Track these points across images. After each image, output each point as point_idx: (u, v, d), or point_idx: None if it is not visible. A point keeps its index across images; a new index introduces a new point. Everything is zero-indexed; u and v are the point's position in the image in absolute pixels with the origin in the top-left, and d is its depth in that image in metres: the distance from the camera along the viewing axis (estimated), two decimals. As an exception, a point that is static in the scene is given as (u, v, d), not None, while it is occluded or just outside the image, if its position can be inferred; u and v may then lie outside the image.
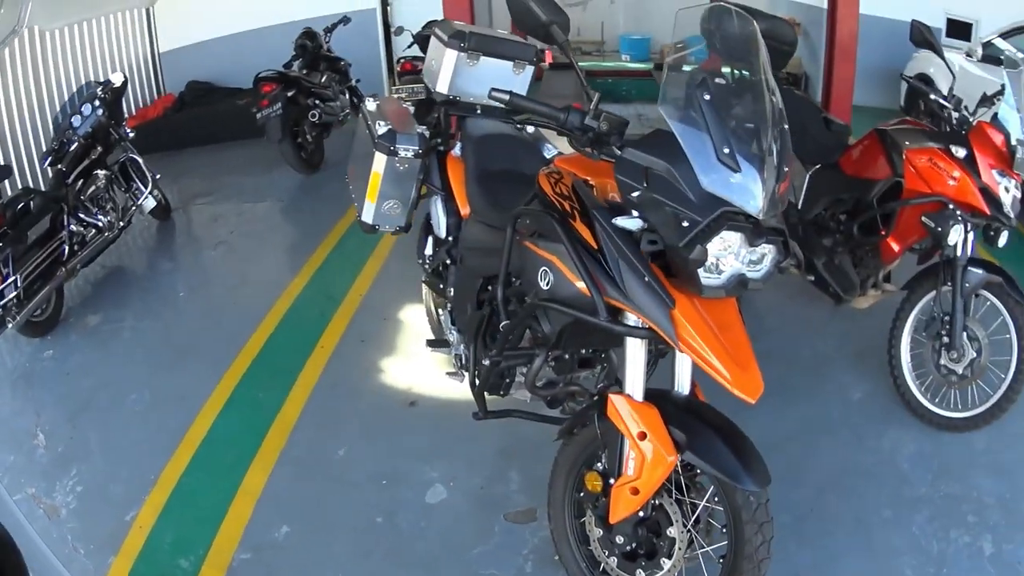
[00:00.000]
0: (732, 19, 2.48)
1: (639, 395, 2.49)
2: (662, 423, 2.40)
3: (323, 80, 8.12)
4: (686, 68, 2.45)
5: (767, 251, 2.29)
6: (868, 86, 10.22)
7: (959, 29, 11.57)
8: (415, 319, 4.84)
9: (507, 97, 2.53)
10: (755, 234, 2.22)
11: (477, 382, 3.30)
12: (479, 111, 3.86)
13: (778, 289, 5.18)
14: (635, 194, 2.32)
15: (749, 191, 2.18)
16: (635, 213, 2.33)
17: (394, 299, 5.18)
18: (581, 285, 2.39)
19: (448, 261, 3.82)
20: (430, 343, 4.19)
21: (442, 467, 3.75)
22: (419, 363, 4.54)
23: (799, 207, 4.88)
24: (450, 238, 3.79)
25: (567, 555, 3.02)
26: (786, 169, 2.31)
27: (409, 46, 8.72)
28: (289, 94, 7.50)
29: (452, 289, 3.74)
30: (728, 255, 2.24)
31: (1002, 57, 4.55)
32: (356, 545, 3.32)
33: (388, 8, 10.82)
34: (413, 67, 8.35)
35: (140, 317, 5.28)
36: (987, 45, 8.07)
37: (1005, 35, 8.13)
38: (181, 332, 5.10)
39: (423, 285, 4.41)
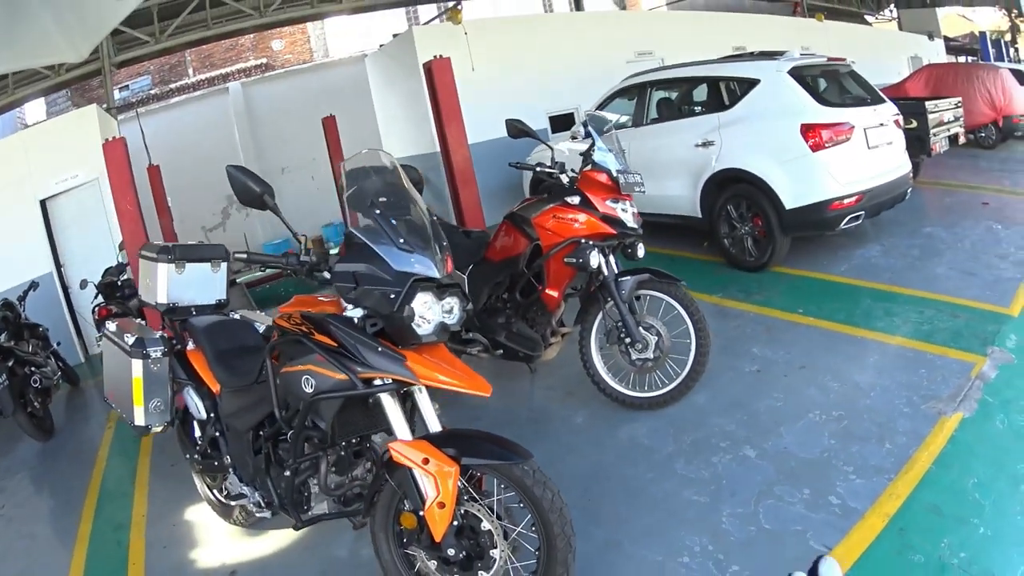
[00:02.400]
0: (379, 161, 3.52)
1: (408, 436, 3.27)
2: (435, 447, 3.16)
3: (31, 348, 8.18)
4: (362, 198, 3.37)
5: (453, 303, 3.31)
6: (500, 201, 11.68)
7: (564, 121, 13.47)
8: (199, 514, 5.21)
9: (245, 255, 3.37)
10: (440, 291, 3.24)
11: (284, 503, 3.86)
12: (194, 312, 4.60)
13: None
14: (352, 294, 3.22)
15: (425, 262, 3.20)
16: (350, 307, 3.27)
17: (172, 508, 5.47)
18: (338, 375, 3.18)
19: (217, 434, 4.35)
20: (220, 503, 4.76)
21: (286, 604, 4.09)
22: (221, 543, 4.89)
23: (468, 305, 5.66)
24: (211, 415, 4.36)
25: None
26: (445, 244, 3.35)
27: (96, 296, 9.02)
28: (9, 364, 7.52)
29: (228, 456, 4.28)
30: (428, 310, 3.19)
31: (607, 127, 5.75)
32: None
33: (62, 269, 11.04)
34: (109, 312, 8.61)
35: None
36: (585, 124, 9.52)
37: (599, 108, 9.71)
38: (-3, 598, 5.06)
39: (195, 478, 4.92)
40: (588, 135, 5.51)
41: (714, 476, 4.44)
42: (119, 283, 9.19)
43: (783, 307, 6.88)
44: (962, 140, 12.78)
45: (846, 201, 7.40)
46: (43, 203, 11.09)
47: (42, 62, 10.66)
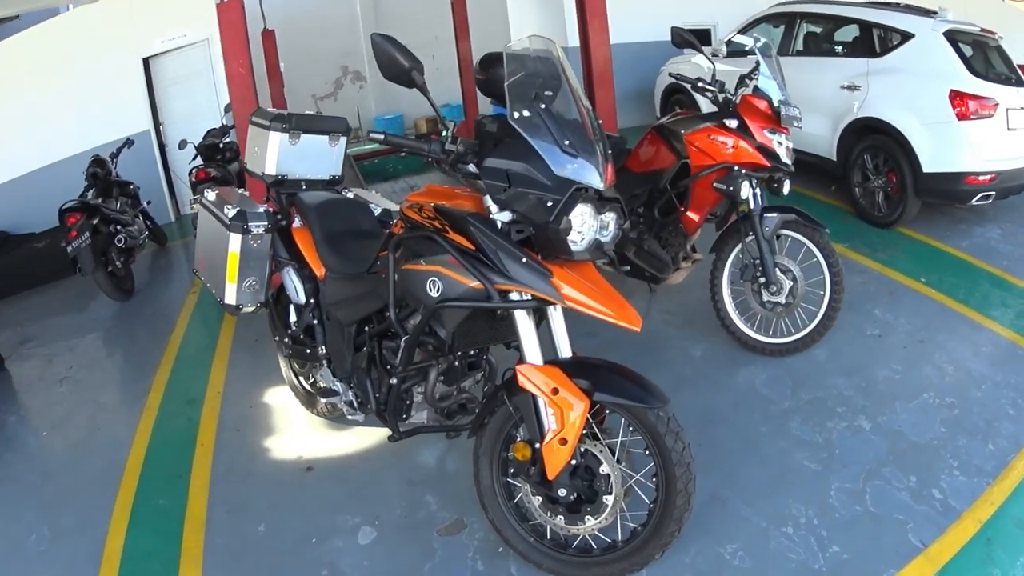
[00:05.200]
0: (546, 52, 3.05)
1: (539, 359, 2.95)
2: (566, 376, 2.86)
3: (119, 206, 8.11)
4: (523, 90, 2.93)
5: (610, 218, 2.91)
6: (629, 108, 11.33)
7: (700, 37, 13.02)
8: (279, 397, 5.05)
9: (382, 136, 3.03)
10: (599, 205, 2.83)
11: (382, 409, 3.63)
12: (304, 187, 4.29)
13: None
14: (503, 194, 2.84)
15: (590, 171, 2.79)
16: (495, 209, 2.89)
17: (251, 387, 5.33)
18: (471, 282, 2.84)
19: (314, 322, 4.09)
20: (305, 392, 4.60)
21: (362, 511, 3.92)
22: (300, 434, 4.73)
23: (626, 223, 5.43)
24: (311, 300, 4.08)
25: (513, 537, 3.36)
26: (610, 152, 2.91)
27: (194, 158, 8.91)
28: (94, 222, 7.47)
29: (324, 347, 4.04)
30: (583, 224, 2.79)
31: (747, 48, 5.52)
32: (315, 602, 3.51)
33: (160, 128, 11.00)
34: (207, 175, 8.50)
35: (9, 464, 5.06)
36: (729, 43, 9.25)
37: (742, 31, 9.40)
38: (58, 468, 4.89)
39: (281, 362, 4.69)
40: (756, 61, 5.21)
41: (827, 443, 4.23)
42: (220, 145, 9.07)
43: (906, 272, 6.60)
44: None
45: (981, 178, 7.07)
46: (146, 61, 11.02)
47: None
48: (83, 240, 7.22)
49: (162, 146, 11.10)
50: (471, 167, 2.96)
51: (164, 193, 10.99)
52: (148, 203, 9.08)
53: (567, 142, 2.80)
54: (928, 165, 7.18)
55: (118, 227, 7.90)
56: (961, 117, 6.96)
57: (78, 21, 10.96)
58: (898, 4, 8.72)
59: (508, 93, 2.88)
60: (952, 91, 7.03)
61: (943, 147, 7.13)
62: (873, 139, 7.74)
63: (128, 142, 9.10)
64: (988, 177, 7.05)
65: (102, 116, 10.56)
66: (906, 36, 7.72)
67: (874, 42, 8.20)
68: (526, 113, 2.83)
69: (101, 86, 10.66)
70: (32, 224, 9.62)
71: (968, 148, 7.02)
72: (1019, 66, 8.42)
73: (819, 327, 4.96)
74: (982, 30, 7.94)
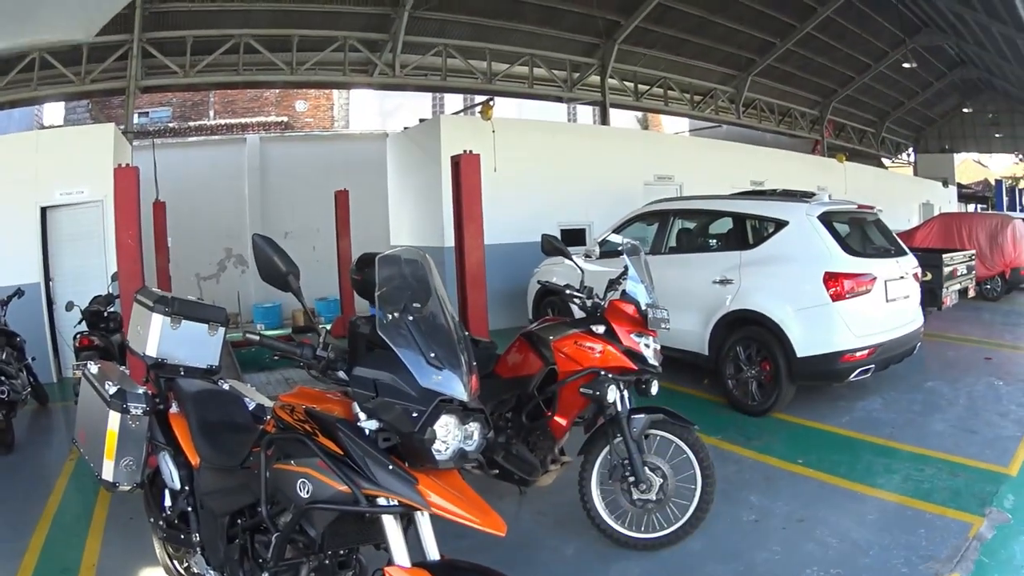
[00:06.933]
0: (416, 263, 3.22)
1: (407, 562, 2.92)
2: None
3: (4, 356, 7.86)
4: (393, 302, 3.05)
5: (474, 428, 2.98)
6: (503, 308, 11.73)
7: (574, 236, 13.63)
8: (153, 576, 4.93)
9: (258, 338, 3.11)
10: (464, 415, 2.93)
11: None
12: (183, 372, 4.27)
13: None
14: (370, 403, 2.93)
15: (455, 383, 2.92)
16: (363, 417, 2.96)
17: (125, 566, 5.18)
18: (340, 486, 2.87)
19: (188, 509, 3.99)
20: None
21: None
22: None
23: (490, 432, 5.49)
24: (186, 487, 4.00)
25: None
26: (474, 364, 3.07)
27: (79, 322, 8.76)
28: None
29: (198, 535, 3.93)
30: (448, 434, 2.88)
31: (619, 248, 5.62)
32: None
33: (51, 284, 10.80)
34: (91, 342, 8.32)
35: None
36: (603, 243, 9.48)
37: (617, 230, 9.70)
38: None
39: (155, 544, 4.51)
40: (624, 265, 5.41)
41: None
42: (105, 314, 8.94)
43: (783, 456, 6.74)
44: (971, 293, 13.18)
45: (858, 354, 7.35)
46: (43, 210, 10.90)
47: (53, 37, 10.87)
48: None
49: (50, 303, 10.84)
50: (341, 373, 3.04)
51: (48, 352, 10.63)
52: (32, 359, 8.80)
53: (433, 354, 2.93)
54: (802, 350, 7.41)
55: (2, 378, 7.59)
56: (836, 297, 7.25)
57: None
58: (774, 191, 9.13)
59: (378, 302, 3.01)
60: (826, 273, 7.32)
61: (817, 330, 7.38)
62: (746, 330, 7.95)
63: (19, 292, 8.91)
64: (866, 352, 7.34)
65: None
66: (780, 224, 8.00)
67: (747, 234, 8.53)
68: (394, 323, 2.97)
69: (-2, 224, 10.52)
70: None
71: (843, 327, 7.29)
72: (898, 234, 8.90)
73: (692, 520, 5.00)
74: (859, 207, 8.37)
